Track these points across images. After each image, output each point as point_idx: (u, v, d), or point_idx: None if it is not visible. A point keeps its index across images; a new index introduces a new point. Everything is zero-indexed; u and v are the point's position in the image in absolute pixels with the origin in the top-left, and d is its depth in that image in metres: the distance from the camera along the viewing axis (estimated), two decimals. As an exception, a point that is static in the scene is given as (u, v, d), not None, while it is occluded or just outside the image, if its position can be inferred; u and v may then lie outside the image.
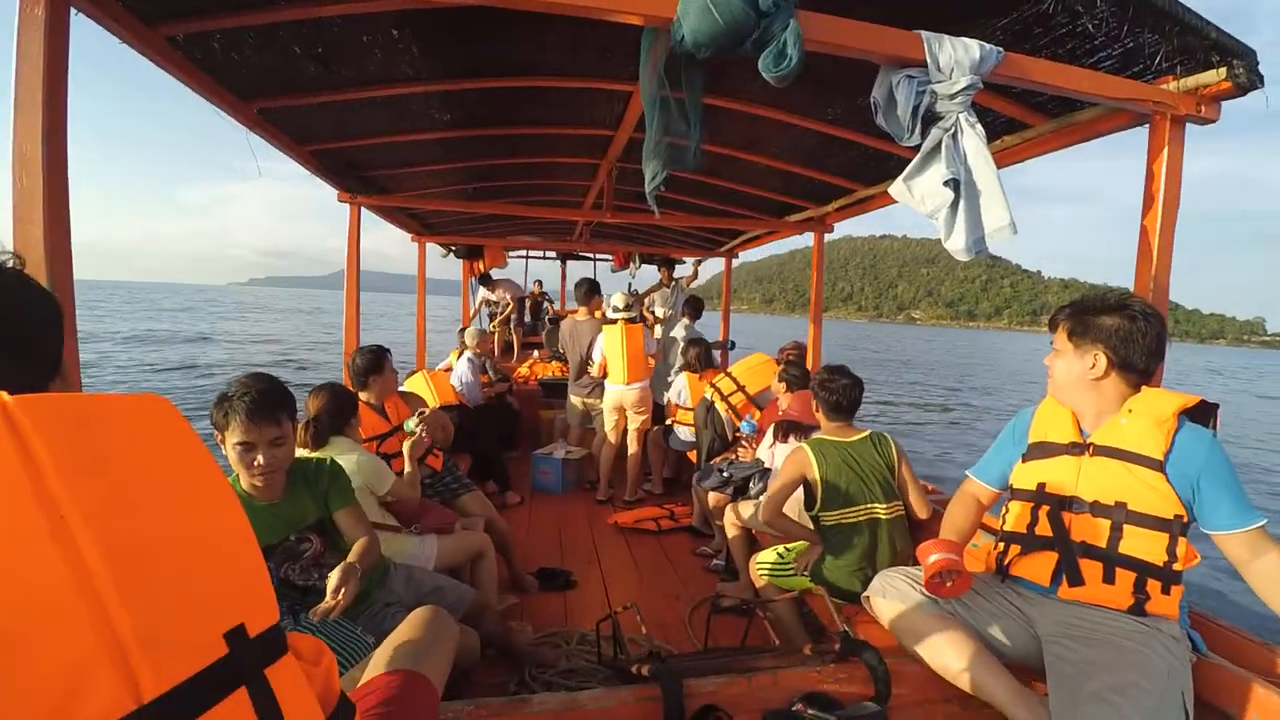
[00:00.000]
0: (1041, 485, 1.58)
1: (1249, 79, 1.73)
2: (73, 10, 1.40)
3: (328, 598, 1.55)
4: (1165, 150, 1.89)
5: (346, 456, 2.18)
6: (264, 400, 1.65)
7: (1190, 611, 1.54)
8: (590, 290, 4.82)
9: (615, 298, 4.77)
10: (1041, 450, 1.62)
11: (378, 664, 1.18)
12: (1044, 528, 1.54)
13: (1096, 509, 1.47)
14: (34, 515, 0.49)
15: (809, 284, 4.75)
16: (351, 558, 1.73)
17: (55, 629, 0.48)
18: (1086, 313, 1.55)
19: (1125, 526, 1.43)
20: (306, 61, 2.24)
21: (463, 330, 5.63)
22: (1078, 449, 1.54)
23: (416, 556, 2.38)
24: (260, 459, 1.66)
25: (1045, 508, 1.55)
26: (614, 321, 4.54)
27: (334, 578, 1.58)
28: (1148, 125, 1.94)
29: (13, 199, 1.29)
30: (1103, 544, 1.45)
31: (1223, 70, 1.74)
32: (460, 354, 5.43)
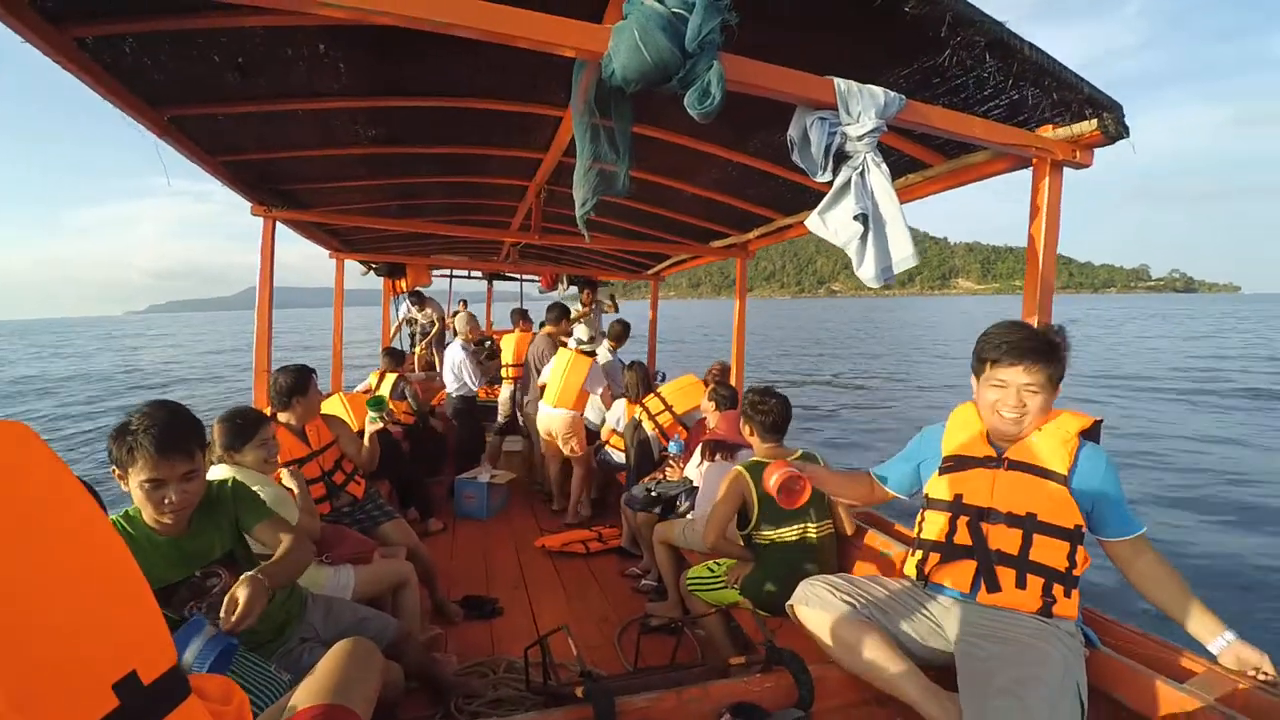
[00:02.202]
0: (959, 496, 1.68)
1: (1116, 130, 1.95)
2: None
3: (224, 611, 1.39)
4: (1046, 189, 2.10)
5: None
6: (172, 431, 1.52)
7: (1083, 609, 1.69)
8: (561, 314, 5.17)
9: (579, 329, 4.84)
10: (958, 463, 1.72)
11: (300, 698, 1.13)
12: (963, 537, 1.64)
13: (1011, 519, 1.59)
14: None
15: (731, 268, 4.90)
16: (272, 561, 1.63)
17: None
18: (1060, 360, 1.60)
19: (1035, 535, 1.56)
20: (225, 70, 2.15)
21: (386, 351, 5.45)
22: (993, 462, 1.66)
23: (333, 587, 2.27)
24: (172, 496, 1.53)
25: (964, 518, 1.65)
26: (569, 349, 4.67)
27: (237, 589, 1.43)
28: (1031, 168, 2.16)
29: None
30: (1015, 552, 1.57)
31: (1094, 121, 1.95)
32: (382, 375, 5.26)
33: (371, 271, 7.71)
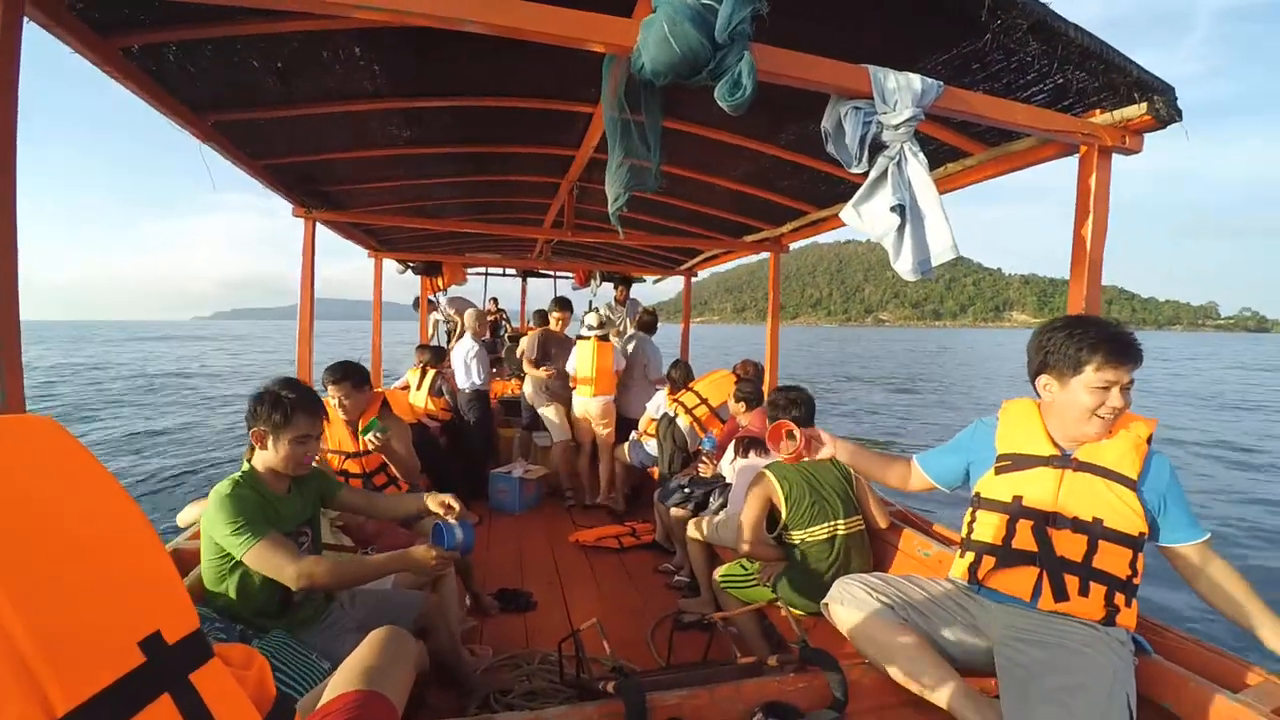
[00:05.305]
0: (1018, 498, 1.59)
1: (1168, 113, 1.87)
2: (25, 19, 1.36)
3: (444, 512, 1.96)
4: (1094, 177, 2.02)
5: None
6: (317, 400, 1.90)
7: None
8: (559, 307, 5.28)
9: (589, 316, 4.94)
10: (1017, 462, 1.63)
11: (337, 685, 1.16)
12: (1024, 541, 1.56)
13: (1076, 524, 1.52)
14: None
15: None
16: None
17: None
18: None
19: (1100, 542, 1.49)
20: (265, 76, 2.21)
21: (425, 348, 5.54)
22: (1058, 462, 1.57)
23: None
24: (313, 449, 1.88)
25: (1026, 522, 1.57)
26: (586, 338, 4.80)
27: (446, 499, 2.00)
28: (1078, 155, 2.08)
29: None
30: (1079, 559, 1.50)
31: (1144, 105, 1.87)
32: (423, 370, 5.34)
33: (409, 270, 7.85)
